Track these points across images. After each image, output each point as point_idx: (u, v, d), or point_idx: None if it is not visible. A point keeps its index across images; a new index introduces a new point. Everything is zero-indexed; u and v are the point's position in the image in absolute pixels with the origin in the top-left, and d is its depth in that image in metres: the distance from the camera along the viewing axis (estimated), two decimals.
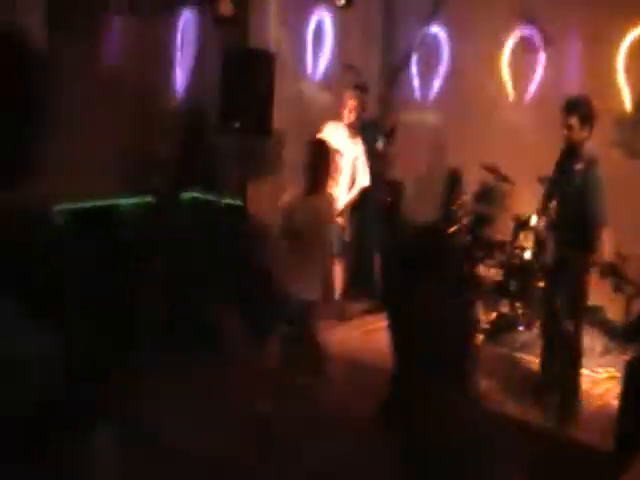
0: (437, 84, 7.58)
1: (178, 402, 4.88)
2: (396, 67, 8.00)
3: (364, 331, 6.01)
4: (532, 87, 6.67)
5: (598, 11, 6.11)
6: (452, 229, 6.13)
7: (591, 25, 6.25)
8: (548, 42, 6.58)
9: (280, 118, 6.33)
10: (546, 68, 6.62)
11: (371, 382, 5.07)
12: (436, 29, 7.53)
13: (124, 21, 6.77)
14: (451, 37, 7.43)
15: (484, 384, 4.88)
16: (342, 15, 7.34)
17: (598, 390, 4.96)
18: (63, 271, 1.30)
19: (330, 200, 4.82)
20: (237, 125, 6.55)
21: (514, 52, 6.86)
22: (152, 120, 7.10)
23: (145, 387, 4.66)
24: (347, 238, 6.20)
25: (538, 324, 5.32)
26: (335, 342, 5.68)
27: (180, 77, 7.69)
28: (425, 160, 7.66)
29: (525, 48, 6.79)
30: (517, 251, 5.82)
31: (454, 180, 7.23)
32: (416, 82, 7.79)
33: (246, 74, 6.53)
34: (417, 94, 7.79)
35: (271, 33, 7.05)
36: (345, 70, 7.71)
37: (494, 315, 5.89)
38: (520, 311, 5.88)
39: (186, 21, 7.67)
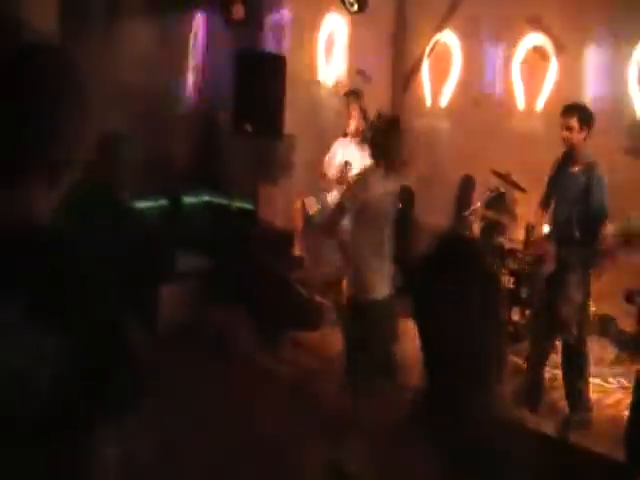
0: (449, 90, 7.56)
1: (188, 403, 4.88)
2: (408, 73, 7.99)
3: None
4: (544, 94, 6.65)
5: (609, 18, 6.10)
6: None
7: (603, 32, 6.23)
8: (560, 49, 6.56)
9: (291, 122, 6.33)
10: (558, 75, 6.60)
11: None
12: (448, 35, 7.52)
13: (138, 24, 6.79)
14: (463, 43, 7.42)
15: None
16: (354, 20, 7.34)
17: (609, 400, 4.93)
18: (77, 272, 1.29)
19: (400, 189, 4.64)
20: (249, 128, 6.56)
21: (526, 59, 6.84)
22: (164, 123, 7.11)
23: (154, 388, 4.65)
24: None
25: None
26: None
27: (192, 80, 7.70)
28: (435, 166, 7.64)
29: (537, 55, 6.77)
30: (528, 258, 5.78)
31: (466, 187, 7.20)
32: (428, 88, 7.77)
33: (258, 78, 6.54)
34: (429, 100, 7.78)
35: (283, 37, 7.06)
36: (356, 75, 7.72)
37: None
38: None
39: (199, 24, 7.69)
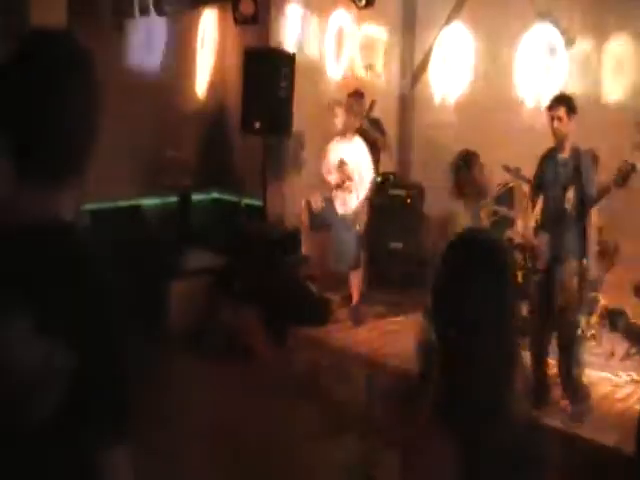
0: (457, 85, 7.55)
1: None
2: (416, 68, 7.98)
3: (382, 332, 6.00)
4: (554, 88, 6.62)
5: (621, 11, 6.07)
6: None
7: (612, 25, 6.20)
8: (570, 42, 6.53)
9: (300, 119, 6.33)
10: (568, 69, 6.57)
11: (392, 382, 5.08)
12: (456, 29, 7.50)
13: (146, 21, 6.80)
14: (471, 37, 7.40)
15: None
16: (362, 15, 7.34)
17: (620, 394, 4.91)
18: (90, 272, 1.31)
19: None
20: (257, 125, 6.57)
21: (535, 53, 6.82)
22: (173, 120, 7.13)
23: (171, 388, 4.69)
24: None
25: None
26: (354, 344, 5.69)
27: (201, 77, 7.71)
28: (445, 161, 7.62)
29: (546, 49, 6.75)
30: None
31: None
32: (436, 83, 7.76)
33: (266, 74, 6.55)
34: (437, 94, 7.77)
35: (292, 33, 7.06)
36: (365, 70, 7.72)
37: None
38: None
39: (207, 21, 7.70)
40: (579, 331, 4.73)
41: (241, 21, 6.91)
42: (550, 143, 4.78)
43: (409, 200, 7.25)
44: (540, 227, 4.82)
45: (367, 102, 6.70)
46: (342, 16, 7.43)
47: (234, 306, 6.37)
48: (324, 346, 5.72)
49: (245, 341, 6.14)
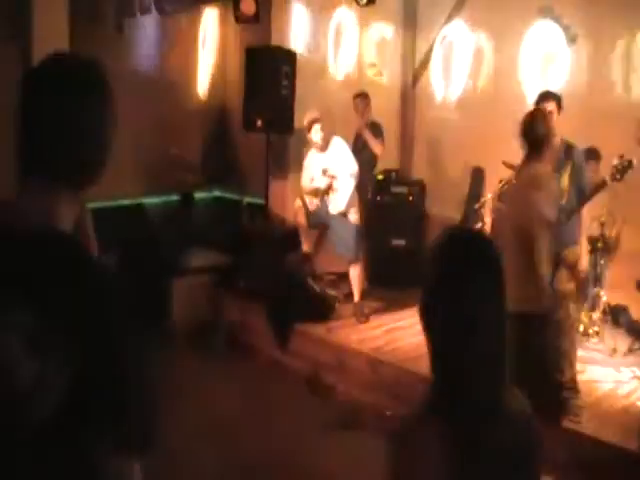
0: (458, 82, 7.55)
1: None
2: (418, 65, 7.98)
3: (385, 330, 6.01)
4: (555, 85, 6.62)
5: (621, 6, 6.06)
6: (475, 228, 6.11)
7: (615, 21, 6.19)
8: (572, 39, 6.53)
9: (301, 117, 6.33)
10: (570, 65, 6.57)
11: (395, 379, 5.09)
12: (457, 27, 7.49)
13: (148, 20, 6.81)
14: (472, 35, 7.39)
15: None
16: (364, 13, 7.33)
17: (622, 390, 4.91)
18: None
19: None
20: (259, 124, 6.58)
21: (537, 49, 6.81)
22: (175, 119, 7.14)
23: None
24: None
25: None
26: (356, 341, 5.70)
27: (203, 76, 7.73)
28: (446, 158, 7.63)
29: (548, 45, 6.74)
30: None
31: (477, 179, 7.20)
32: (437, 80, 7.76)
33: (268, 73, 6.55)
34: (438, 92, 7.77)
35: (293, 31, 7.06)
36: (367, 68, 7.72)
37: None
38: None
39: (208, 20, 7.71)
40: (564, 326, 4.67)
41: (242, 20, 6.92)
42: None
43: (411, 197, 7.27)
44: None
45: (371, 102, 6.71)
46: (343, 14, 7.43)
47: (237, 304, 6.39)
48: (326, 343, 5.72)
49: (248, 339, 6.16)
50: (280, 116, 6.63)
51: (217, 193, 7.88)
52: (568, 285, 4.41)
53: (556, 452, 3.65)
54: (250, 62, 6.73)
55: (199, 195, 7.48)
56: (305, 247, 6.30)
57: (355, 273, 6.10)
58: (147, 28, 6.92)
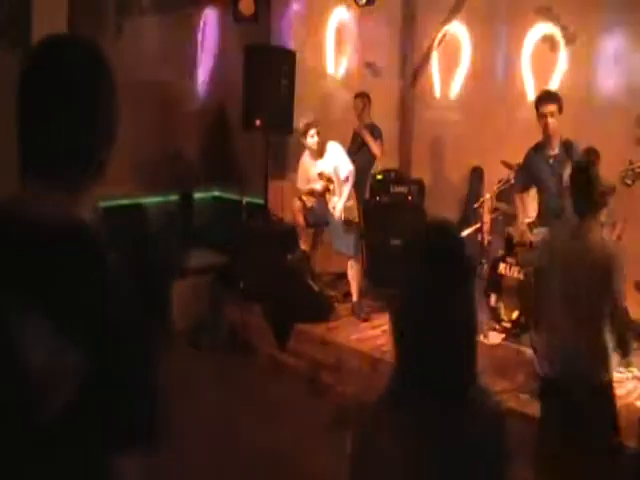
0: (458, 82, 7.55)
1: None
2: (417, 65, 7.98)
3: (384, 329, 6.01)
4: (554, 85, 6.62)
5: (619, 6, 6.06)
6: (474, 227, 6.11)
7: (612, 21, 6.20)
8: (570, 39, 6.53)
9: (301, 116, 6.34)
10: (568, 65, 6.57)
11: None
12: (456, 26, 7.49)
13: (148, 20, 6.82)
14: (472, 35, 7.39)
15: (505, 383, 4.88)
16: (363, 13, 7.34)
17: (621, 390, 4.91)
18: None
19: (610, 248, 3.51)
20: (258, 123, 6.58)
21: (535, 50, 6.81)
22: (174, 119, 7.15)
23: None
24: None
25: None
26: (356, 341, 5.71)
27: (202, 76, 7.73)
28: (446, 158, 7.64)
29: (546, 45, 6.74)
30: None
31: (476, 178, 7.20)
32: (437, 80, 7.76)
33: (267, 72, 6.56)
34: (438, 92, 7.77)
35: (292, 31, 7.07)
36: (366, 68, 7.72)
37: (516, 314, 5.86)
38: None
39: (207, 20, 7.71)
40: None
41: (241, 19, 6.93)
42: None
43: (410, 197, 7.27)
44: (538, 223, 4.82)
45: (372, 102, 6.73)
46: (342, 14, 7.43)
47: (236, 303, 6.39)
48: (326, 342, 5.73)
49: (248, 339, 6.16)
50: (279, 116, 6.63)
51: (216, 193, 7.89)
52: None
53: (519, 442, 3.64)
54: (249, 62, 6.73)
55: (198, 195, 7.49)
56: (304, 246, 6.31)
57: (353, 271, 6.11)
58: (147, 28, 6.92)
